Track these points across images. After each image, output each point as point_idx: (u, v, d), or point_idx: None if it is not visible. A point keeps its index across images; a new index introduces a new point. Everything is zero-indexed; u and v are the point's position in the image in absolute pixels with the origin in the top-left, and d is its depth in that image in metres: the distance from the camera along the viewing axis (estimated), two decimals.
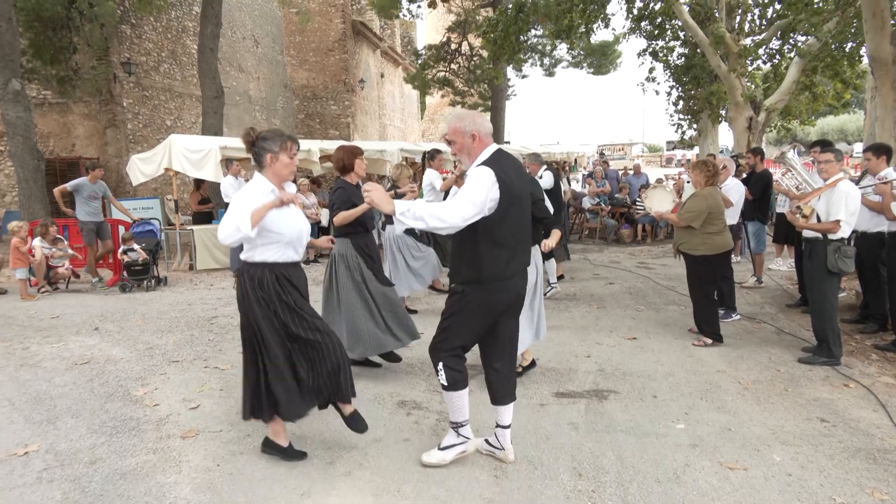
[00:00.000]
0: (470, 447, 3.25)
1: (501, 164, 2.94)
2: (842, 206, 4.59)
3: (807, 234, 4.87)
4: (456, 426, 3.19)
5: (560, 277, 7.80)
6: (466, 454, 3.25)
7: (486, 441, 3.31)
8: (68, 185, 8.35)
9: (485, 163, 2.93)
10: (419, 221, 2.77)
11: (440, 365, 3.07)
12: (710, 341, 5.26)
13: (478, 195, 2.82)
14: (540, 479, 3.05)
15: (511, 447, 3.24)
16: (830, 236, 4.65)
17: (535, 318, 4.45)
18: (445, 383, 3.07)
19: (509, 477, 3.08)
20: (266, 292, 3.07)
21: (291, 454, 3.29)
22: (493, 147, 3.03)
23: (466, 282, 2.99)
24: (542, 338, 4.64)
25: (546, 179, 7.14)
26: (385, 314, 4.55)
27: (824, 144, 6.40)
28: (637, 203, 12.93)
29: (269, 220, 3.02)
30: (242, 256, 3.16)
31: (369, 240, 4.64)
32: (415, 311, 6.54)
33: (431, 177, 7.48)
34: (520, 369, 4.42)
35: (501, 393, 3.16)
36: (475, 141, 2.98)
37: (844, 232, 4.63)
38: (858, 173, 6.10)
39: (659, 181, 12.93)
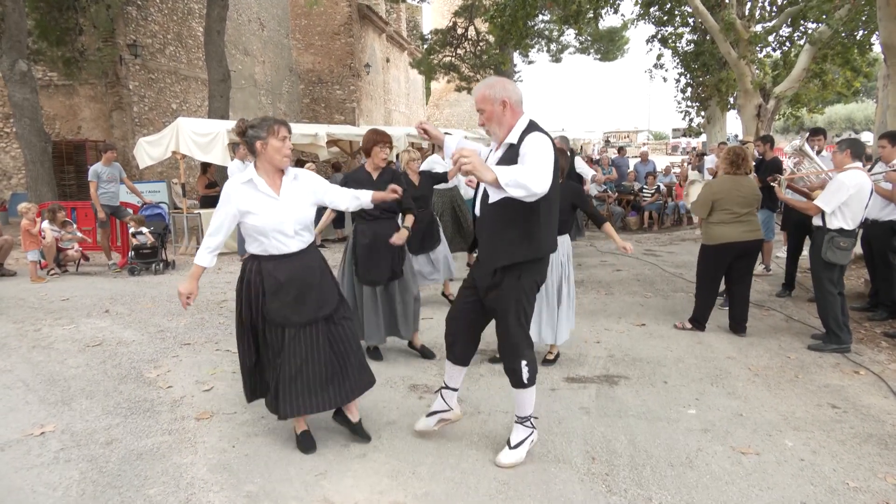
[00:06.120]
0: (535, 436, 3.15)
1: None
2: (828, 191, 4.66)
3: (814, 222, 4.87)
4: (524, 420, 3.07)
5: None
6: (534, 443, 3.16)
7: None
8: (90, 178, 8.43)
9: (536, 131, 2.67)
10: (521, 189, 2.44)
11: (522, 363, 2.91)
12: (689, 326, 5.37)
13: (550, 162, 2.56)
14: (553, 463, 3.07)
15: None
16: (828, 226, 4.68)
17: (551, 314, 4.37)
18: (527, 380, 2.93)
19: (523, 459, 3.09)
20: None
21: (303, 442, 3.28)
22: (527, 117, 2.77)
23: (522, 263, 2.79)
24: (560, 341, 4.46)
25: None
26: (391, 307, 4.55)
27: (815, 132, 6.85)
28: (643, 191, 12.90)
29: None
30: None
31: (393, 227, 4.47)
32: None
33: (433, 161, 7.24)
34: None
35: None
36: (506, 109, 2.73)
37: (841, 222, 4.63)
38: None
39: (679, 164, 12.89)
